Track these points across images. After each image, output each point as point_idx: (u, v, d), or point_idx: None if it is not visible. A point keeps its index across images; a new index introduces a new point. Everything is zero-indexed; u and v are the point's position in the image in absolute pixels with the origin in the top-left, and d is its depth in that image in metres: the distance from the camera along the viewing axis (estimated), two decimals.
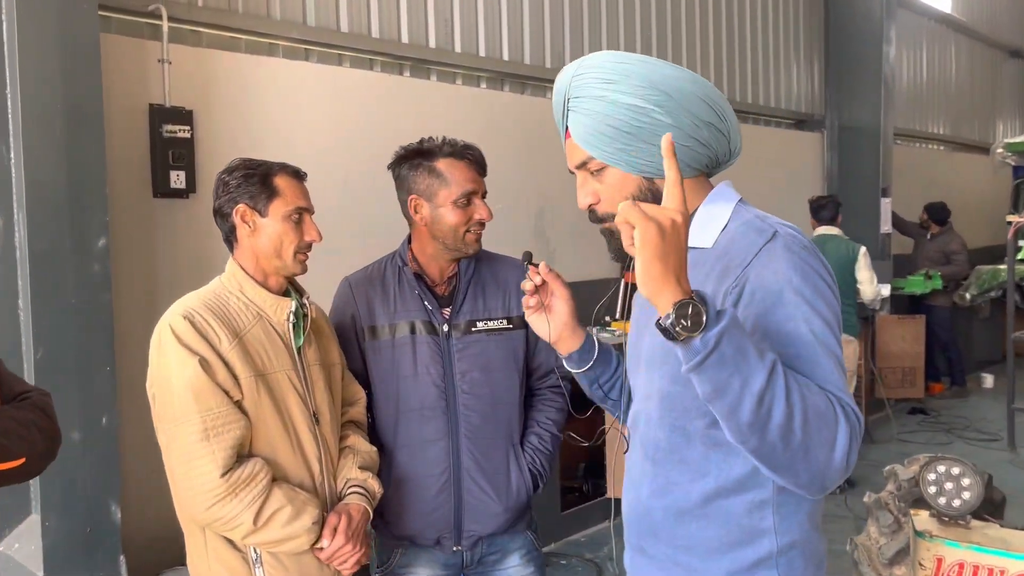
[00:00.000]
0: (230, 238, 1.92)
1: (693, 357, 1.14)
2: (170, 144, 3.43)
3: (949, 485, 2.48)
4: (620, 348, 1.69)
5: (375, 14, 4.41)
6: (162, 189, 3.44)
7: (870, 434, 6.54)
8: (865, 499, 2.73)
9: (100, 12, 3.29)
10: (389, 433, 2.17)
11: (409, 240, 2.23)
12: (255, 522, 1.73)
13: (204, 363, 1.74)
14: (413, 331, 2.14)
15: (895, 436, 6.55)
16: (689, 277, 1.26)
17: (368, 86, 4.30)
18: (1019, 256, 6.97)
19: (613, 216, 1.44)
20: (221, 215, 1.90)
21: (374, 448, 2.09)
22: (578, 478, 5.01)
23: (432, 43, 4.68)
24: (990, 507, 2.69)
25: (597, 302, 1.74)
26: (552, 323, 1.63)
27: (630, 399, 1.60)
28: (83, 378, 2.90)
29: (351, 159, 4.11)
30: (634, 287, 1.20)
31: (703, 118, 1.41)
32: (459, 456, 2.14)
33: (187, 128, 3.48)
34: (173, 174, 3.44)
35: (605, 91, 1.39)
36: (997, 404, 7.42)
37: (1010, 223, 6.29)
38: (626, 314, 1.73)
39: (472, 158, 2.14)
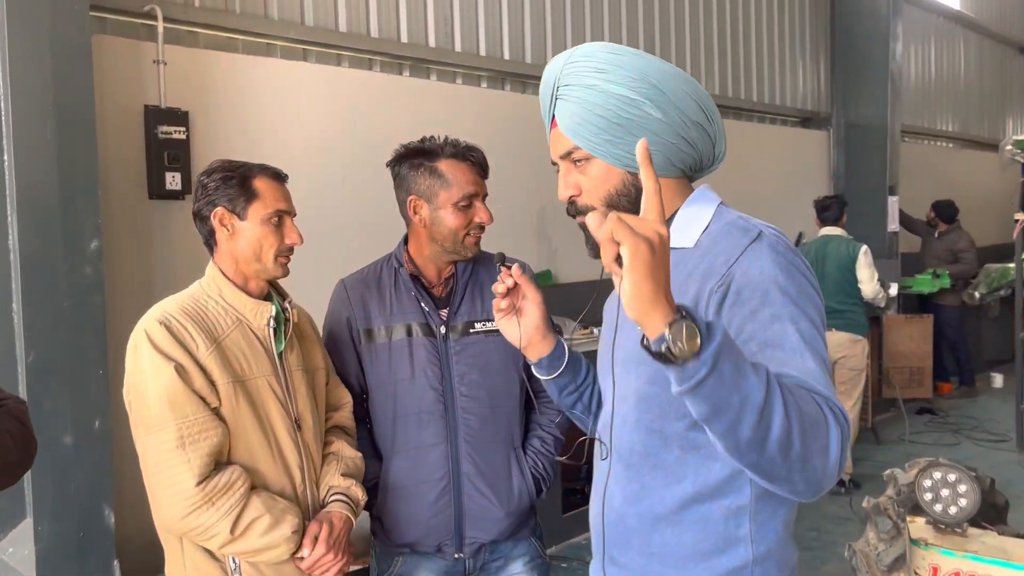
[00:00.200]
0: (209, 241, 1.89)
1: (688, 379, 1.06)
2: (165, 145, 3.42)
3: (945, 492, 2.42)
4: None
5: (374, 14, 4.39)
6: (157, 191, 3.43)
7: (877, 435, 6.49)
8: (864, 504, 2.68)
9: (95, 14, 3.28)
10: (387, 438, 2.13)
11: (405, 240, 2.19)
12: (232, 531, 1.70)
13: (180, 369, 1.71)
14: (410, 333, 2.10)
15: (901, 437, 6.49)
16: (671, 277, 1.22)
17: (367, 86, 4.28)
18: None
19: (592, 208, 1.42)
20: (200, 218, 1.87)
21: (359, 454, 2.06)
22: (580, 480, 4.98)
23: (432, 42, 4.66)
24: (992, 512, 2.64)
25: (599, 303, 1.70)
26: (523, 327, 1.60)
27: (600, 404, 1.57)
28: (76, 381, 2.89)
29: (350, 160, 4.09)
30: None
31: (692, 117, 1.40)
32: (459, 460, 2.09)
33: (183, 129, 3.47)
34: (168, 175, 3.43)
35: (596, 80, 1.37)
36: (1006, 404, 7.35)
37: (1017, 221, 6.20)
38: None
39: (474, 160, 2.10)
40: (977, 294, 8.11)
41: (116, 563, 3.00)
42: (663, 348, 1.04)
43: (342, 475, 1.96)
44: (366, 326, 2.13)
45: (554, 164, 1.49)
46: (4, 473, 1.44)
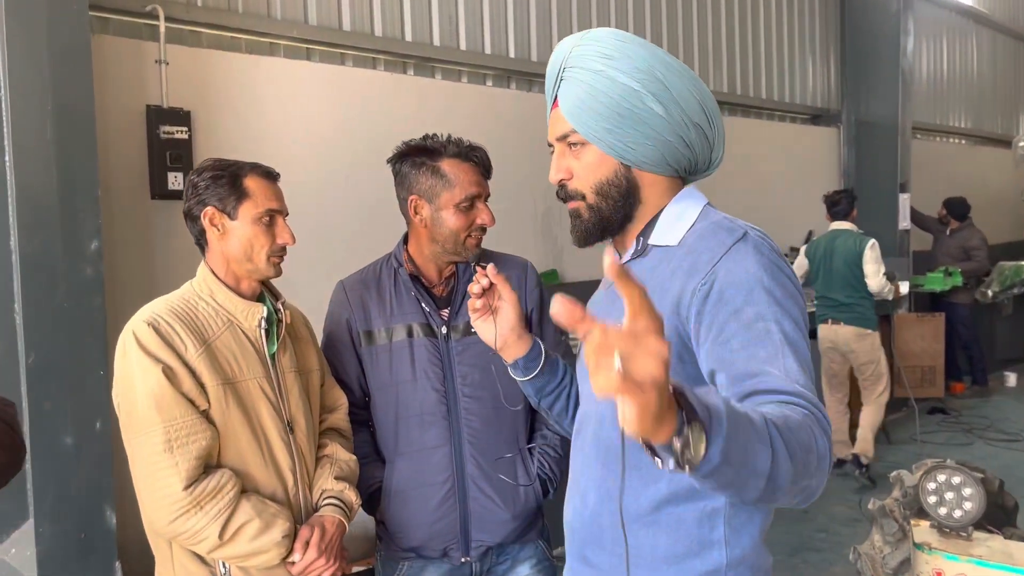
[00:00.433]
0: (200, 241, 1.87)
1: (697, 473, 0.97)
2: (168, 145, 3.41)
3: (950, 495, 2.37)
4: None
5: (378, 12, 4.37)
6: (160, 191, 3.41)
7: (888, 434, 6.43)
8: (869, 506, 2.64)
9: (97, 14, 3.28)
10: (389, 441, 2.10)
11: (405, 240, 2.16)
12: (221, 536, 1.68)
13: (168, 371, 1.69)
14: (411, 334, 2.07)
15: (913, 437, 6.43)
16: (654, 274, 1.19)
17: (371, 85, 4.26)
18: None
19: (581, 194, 1.43)
20: (190, 218, 1.85)
21: (354, 457, 2.03)
22: None
23: (436, 41, 4.64)
24: (1001, 515, 2.59)
25: None
26: (498, 327, 1.59)
27: (577, 405, 1.55)
28: (76, 382, 2.88)
29: (353, 159, 4.08)
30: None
31: (693, 118, 1.39)
32: (463, 462, 2.06)
33: (185, 129, 3.46)
34: (171, 176, 3.42)
35: (603, 65, 1.36)
36: (1020, 404, 7.28)
37: None
38: None
39: (477, 160, 2.07)
40: (990, 292, 8.02)
41: (118, 564, 2.99)
42: (672, 467, 0.95)
43: (335, 478, 1.93)
44: (366, 327, 2.10)
45: (550, 146, 1.49)
46: None
